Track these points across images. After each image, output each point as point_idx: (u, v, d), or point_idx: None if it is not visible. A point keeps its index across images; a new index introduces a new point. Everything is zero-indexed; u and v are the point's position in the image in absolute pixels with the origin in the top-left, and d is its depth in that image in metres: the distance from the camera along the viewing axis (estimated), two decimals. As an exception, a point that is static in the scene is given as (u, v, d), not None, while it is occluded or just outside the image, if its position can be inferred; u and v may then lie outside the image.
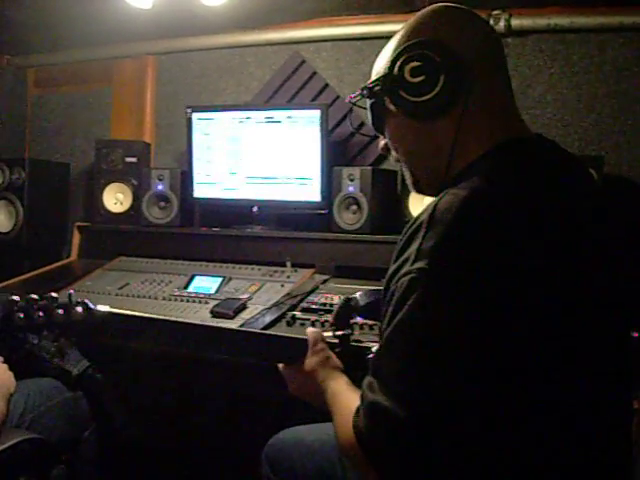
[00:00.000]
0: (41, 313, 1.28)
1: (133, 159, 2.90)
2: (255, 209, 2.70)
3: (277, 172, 2.65)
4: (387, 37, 1.23)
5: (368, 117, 1.24)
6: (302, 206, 2.63)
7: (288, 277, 2.41)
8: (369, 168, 2.48)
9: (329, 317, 1.98)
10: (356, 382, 1.06)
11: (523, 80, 2.51)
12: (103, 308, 1.32)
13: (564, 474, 1.00)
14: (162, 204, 2.81)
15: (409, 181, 1.25)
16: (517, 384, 0.96)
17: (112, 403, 2.28)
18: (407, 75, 1.12)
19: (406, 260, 1.00)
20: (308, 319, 2.04)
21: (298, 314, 2.09)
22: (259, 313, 2.14)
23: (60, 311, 1.28)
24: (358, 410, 1.01)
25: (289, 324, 2.04)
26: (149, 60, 3.16)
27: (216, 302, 2.23)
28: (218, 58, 3.02)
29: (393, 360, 0.98)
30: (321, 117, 2.55)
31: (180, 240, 2.75)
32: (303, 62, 2.85)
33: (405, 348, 0.96)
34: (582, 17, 2.39)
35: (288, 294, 2.25)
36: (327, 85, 2.79)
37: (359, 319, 1.84)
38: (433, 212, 0.99)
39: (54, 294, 1.31)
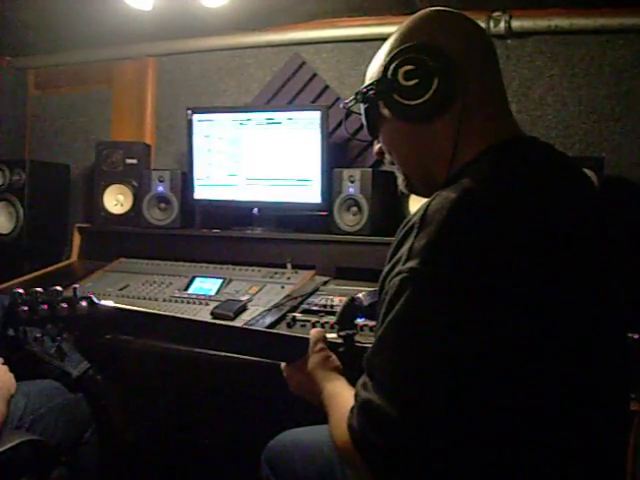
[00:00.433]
0: (45, 306, 1.27)
1: (133, 160, 2.91)
2: (255, 211, 2.70)
3: (277, 174, 2.65)
4: (387, 39, 1.23)
5: (363, 122, 1.24)
6: (302, 208, 2.63)
7: (288, 279, 2.41)
8: (369, 170, 2.48)
9: (330, 318, 1.98)
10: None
11: (523, 81, 2.51)
12: (108, 303, 1.32)
13: (557, 474, 1.00)
14: (162, 205, 2.81)
15: (401, 183, 1.27)
16: (509, 382, 0.96)
17: (112, 405, 2.28)
18: (401, 79, 1.13)
19: (398, 260, 1.01)
20: (308, 320, 2.04)
21: (298, 315, 2.09)
22: (259, 314, 2.14)
23: (64, 305, 1.28)
24: (352, 409, 1.02)
25: (289, 325, 2.04)
26: (149, 61, 3.17)
27: (216, 304, 2.23)
28: (218, 60, 3.02)
29: (385, 359, 0.98)
30: (321, 119, 2.56)
31: (180, 242, 2.75)
32: (303, 64, 2.85)
33: (397, 347, 0.97)
34: (582, 18, 2.39)
35: (288, 296, 2.25)
36: (327, 87, 2.80)
37: (362, 320, 1.85)
38: (425, 213, 1.00)
39: (59, 288, 1.30)
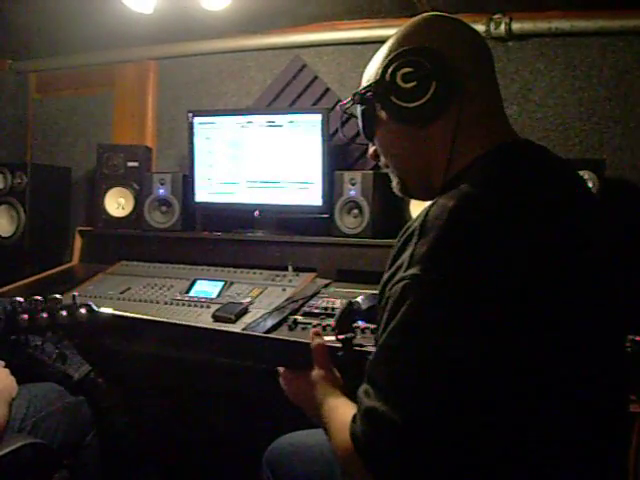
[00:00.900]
0: (45, 314, 1.28)
1: (135, 163, 2.91)
2: (257, 213, 2.70)
3: (278, 176, 2.65)
4: (386, 41, 1.24)
5: (359, 124, 1.24)
6: (303, 210, 2.63)
7: (290, 281, 2.41)
8: (370, 172, 2.48)
9: (331, 321, 1.98)
10: (357, 386, 1.06)
11: (524, 84, 2.51)
12: (107, 310, 1.32)
13: (559, 476, 1.00)
14: (164, 208, 2.82)
15: (395, 186, 1.27)
16: (512, 388, 0.96)
17: (113, 408, 2.28)
18: (399, 81, 1.13)
19: (399, 267, 1.01)
20: (310, 323, 2.04)
21: (300, 318, 2.09)
22: (261, 317, 2.13)
23: (64, 313, 1.29)
24: (355, 417, 1.01)
25: (291, 328, 2.04)
26: (151, 65, 3.17)
27: (218, 306, 2.23)
28: (219, 62, 3.03)
29: (389, 366, 0.98)
30: (322, 121, 2.56)
31: (182, 244, 2.75)
32: (304, 66, 2.85)
33: (400, 354, 0.97)
34: (583, 21, 2.39)
35: (290, 298, 2.25)
36: (328, 89, 2.80)
37: (361, 323, 1.85)
38: (425, 219, 1.00)
39: (58, 295, 1.31)
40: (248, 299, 2.27)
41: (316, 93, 2.82)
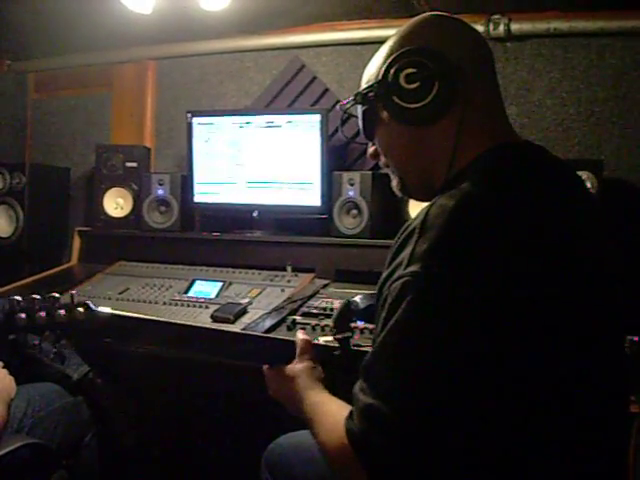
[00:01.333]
0: (43, 314, 1.28)
1: (133, 164, 2.91)
2: (255, 214, 2.70)
3: (277, 177, 2.65)
4: (386, 42, 1.24)
5: (359, 124, 1.24)
6: (302, 211, 2.63)
7: (288, 282, 2.41)
8: (369, 172, 2.49)
9: (330, 321, 1.98)
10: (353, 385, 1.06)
11: (523, 84, 2.51)
12: (105, 309, 1.32)
13: (557, 477, 1.00)
14: (162, 209, 2.82)
15: (396, 185, 1.27)
16: (510, 387, 0.96)
17: (112, 408, 2.28)
18: (402, 81, 1.13)
19: (399, 265, 1.01)
20: (308, 323, 2.04)
21: (298, 318, 2.09)
22: (259, 318, 2.14)
23: (62, 312, 1.28)
24: (351, 414, 1.01)
25: (289, 329, 2.04)
26: (149, 65, 3.17)
27: (216, 307, 2.23)
28: (218, 63, 3.03)
29: (387, 363, 0.98)
30: (321, 122, 2.56)
31: (180, 245, 2.75)
32: (303, 67, 2.85)
33: (399, 351, 0.97)
34: (581, 21, 2.39)
35: (288, 298, 2.25)
36: (327, 90, 2.80)
37: (359, 323, 1.85)
38: (425, 218, 1.00)
39: (56, 294, 1.31)
40: (247, 299, 2.27)
41: (315, 93, 2.82)
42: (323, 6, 2.63)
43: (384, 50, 1.21)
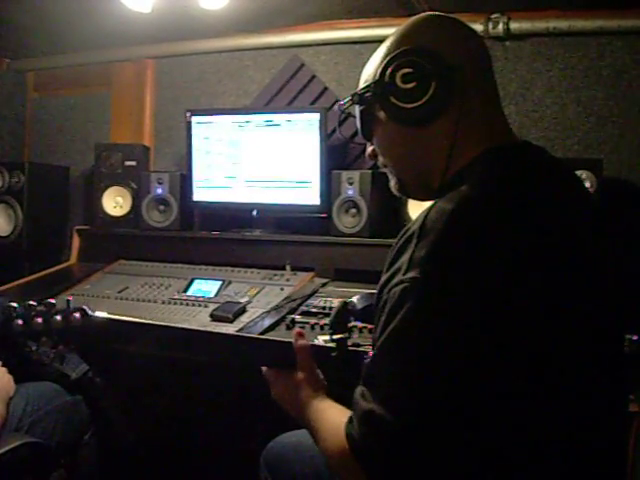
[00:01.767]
0: (39, 320, 1.27)
1: (133, 163, 2.91)
2: (255, 213, 2.70)
3: (276, 175, 2.65)
4: (384, 41, 1.24)
5: (357, 124, 1.24)
6: (301, 210, 2.63)
7: (287, 280, 2.42)
8: (368, 171, 2.48)
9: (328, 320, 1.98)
10: (352, 387, 1.06)
11: (522, 83, 2.51)
12: (101, 314, 1.32)
13: (556, 477, 1.00)
14: (162, 208, 2.82)
15: (394, 185, 1.27)
16: (510, 392, 0.96)
17: (111, 407, 2.28)
18: (398, 81, 1.13)
19: (398, 270, 1.00)
20: (307, 322, 2.04)
21: (298, 317, 2.09)
22: (258, 317, 2.14)
23: (58, 317, 1.28)
24: (351, 419, 1.00)
25: (288, 328, 2.04)
26: (149, 63, 3.17)
27: (216, 305, 2.23)
28: (217, 61, 3.03)
29: (387, 369, 0.98)
30: (320, 120, 2.56)
31: (179, 243, 2.75)
32: (302, 65, 2.85)
33: (400, 357, 0.97)
34: (581, 20, 2.39)
35: (287, 297, 2.25)
36: (326, 88, 2.80)
37: (360, 323, 1.85)
38: (424, 223, 1.00)
39: (52, 300, 1.31)
40: (246, 298, 2.27)
41: (314, 92, 2.82)
42: (322, 5, 2.62)
43: (381, 50, 1.20)
